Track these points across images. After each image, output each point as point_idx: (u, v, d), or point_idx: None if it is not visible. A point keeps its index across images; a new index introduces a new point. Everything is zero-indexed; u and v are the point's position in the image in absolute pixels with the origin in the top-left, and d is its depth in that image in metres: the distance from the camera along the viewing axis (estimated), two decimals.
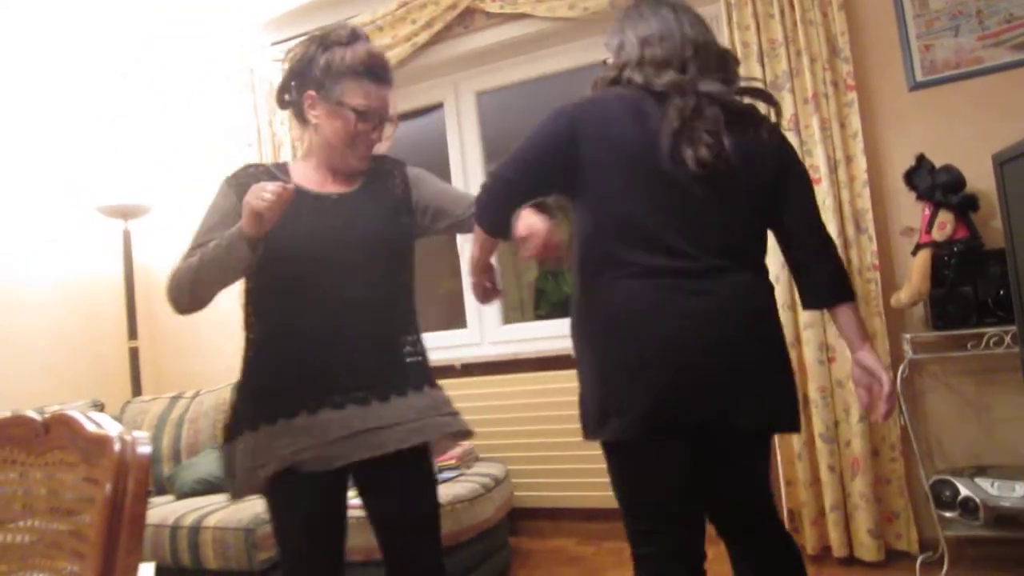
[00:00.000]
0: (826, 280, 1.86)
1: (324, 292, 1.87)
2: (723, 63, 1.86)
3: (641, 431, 1.71)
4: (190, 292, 1.85)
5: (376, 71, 1.94)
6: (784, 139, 1.91)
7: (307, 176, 1.99)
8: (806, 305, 1.93)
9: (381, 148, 2.06)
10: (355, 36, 1.95)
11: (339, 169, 1.99)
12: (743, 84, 1.89)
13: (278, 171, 1.99)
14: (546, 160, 1.79)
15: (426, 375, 2.00)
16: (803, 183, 1.90)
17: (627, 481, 1.85)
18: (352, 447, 1.80)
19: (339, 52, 1.91)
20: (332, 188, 1.98)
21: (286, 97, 2.02)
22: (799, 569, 1.93)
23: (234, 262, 1.75)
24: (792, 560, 1.93)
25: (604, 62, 2.02)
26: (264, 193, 1.64)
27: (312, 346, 1.85)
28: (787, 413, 1.81)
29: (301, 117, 1.98)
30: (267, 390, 1.86)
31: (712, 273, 1.74)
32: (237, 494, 1.89)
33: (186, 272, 1.85)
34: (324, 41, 1.94)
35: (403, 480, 1.94)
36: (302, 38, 2.14)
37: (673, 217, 1.74)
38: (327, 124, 1.93)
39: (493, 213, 1.82)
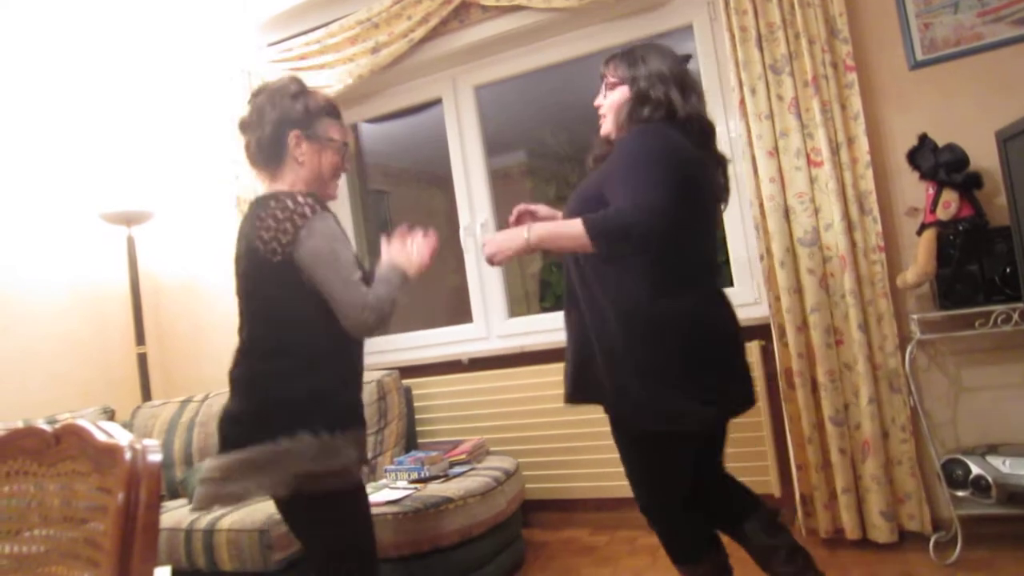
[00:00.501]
0: None
1: None
2: None
3: (718, 420, 2.27)
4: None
5: (338, 111, 2.28)
6: None
7: None
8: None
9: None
10: (304, 84, 2.25)
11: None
12: None
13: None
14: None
15: None
16: None
17: (678, 465, 2.26)
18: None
19: (311, 97, 2.20)
20: None
21: (260, 141, 2.19)
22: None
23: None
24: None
25: (609, 83, 2.34)
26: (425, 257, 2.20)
27: (356, 373, 2.23)
28: None
29: (276, 158, 2.19)
30: (346, 400, 2.15)
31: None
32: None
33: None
34: (286, 89, 2.19)
35: None
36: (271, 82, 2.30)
37: (714, 247, 2.33)
38: (316, 159, 2.20)
39: (648, 245, 1.99)
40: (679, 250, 2.07)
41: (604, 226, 1.96)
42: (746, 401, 2.24)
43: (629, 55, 2.29)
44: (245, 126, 2.23)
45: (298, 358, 2.04)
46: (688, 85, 2.22)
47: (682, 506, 2.30)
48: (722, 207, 2.38)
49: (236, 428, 2.03)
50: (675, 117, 2.16)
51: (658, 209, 1.92)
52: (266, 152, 2.18)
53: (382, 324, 2.02)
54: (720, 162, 2.31)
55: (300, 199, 2.03)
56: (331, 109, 2.24)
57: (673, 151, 2.06)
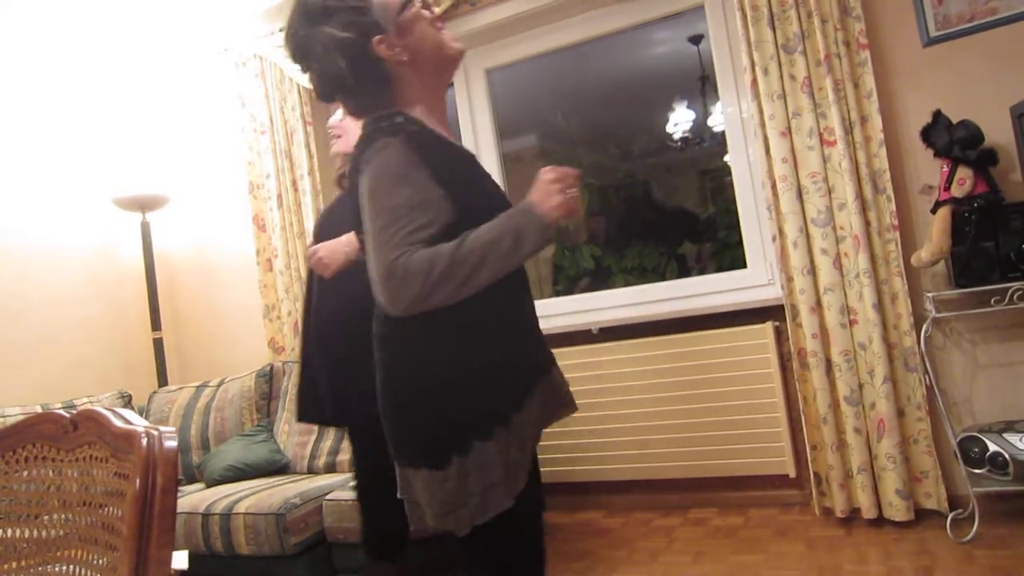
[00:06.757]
0: None
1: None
2: None
3: None
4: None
5: None
6: None
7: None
8: None
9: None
10: None
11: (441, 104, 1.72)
12: None
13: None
14: None
15: None
16: None
17: None
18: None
19: None
20: None
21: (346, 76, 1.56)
22: None
23: None
24: None
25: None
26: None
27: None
28: None
29: (375, 74, 1.59)
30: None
31: None
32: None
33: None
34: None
35: None
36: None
37: None
38: (418, 40, 1.61)
39: None
40: None
41: None
42: None
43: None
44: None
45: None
46: None
47: None
48: None
49: None
50: None
51: None
52: (361, 80, 1.58)
53: (409, 300, 1.40)
54: None
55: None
56: None
57: None
